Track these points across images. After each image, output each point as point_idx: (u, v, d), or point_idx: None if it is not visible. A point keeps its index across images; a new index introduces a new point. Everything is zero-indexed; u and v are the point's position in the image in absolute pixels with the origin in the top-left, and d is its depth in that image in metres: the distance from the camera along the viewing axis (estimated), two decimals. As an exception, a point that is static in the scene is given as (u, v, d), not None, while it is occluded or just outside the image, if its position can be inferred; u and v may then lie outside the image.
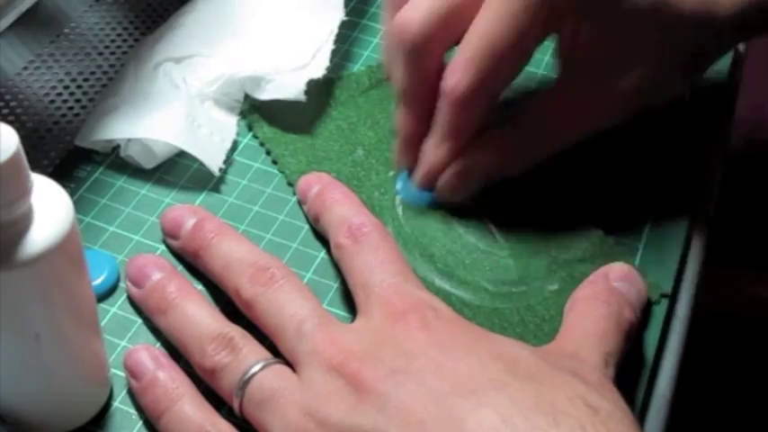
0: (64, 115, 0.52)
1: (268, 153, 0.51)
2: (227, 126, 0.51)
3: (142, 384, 0.39)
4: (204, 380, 0.39)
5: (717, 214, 0.50)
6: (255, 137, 0.51)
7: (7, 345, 0.35)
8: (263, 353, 0.39)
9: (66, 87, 0.54)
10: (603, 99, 0.45)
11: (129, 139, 0.49)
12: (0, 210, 0.31)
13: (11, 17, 0.56)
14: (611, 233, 0.47)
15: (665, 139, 0.51)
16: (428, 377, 0.35)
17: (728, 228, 0.55)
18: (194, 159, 0.49)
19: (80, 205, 0.47)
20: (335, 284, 0.45)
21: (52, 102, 0.53)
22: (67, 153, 0.50)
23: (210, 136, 0.50)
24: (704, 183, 0.50)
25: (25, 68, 0.54)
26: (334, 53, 0.53)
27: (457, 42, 0.44)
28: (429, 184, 0.47)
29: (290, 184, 0.49)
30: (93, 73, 0.55)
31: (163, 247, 0.46)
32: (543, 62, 0.54)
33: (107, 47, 0.56)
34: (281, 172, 0.50)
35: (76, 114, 0.52)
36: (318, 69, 0.52)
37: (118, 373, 0.41)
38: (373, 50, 0.57)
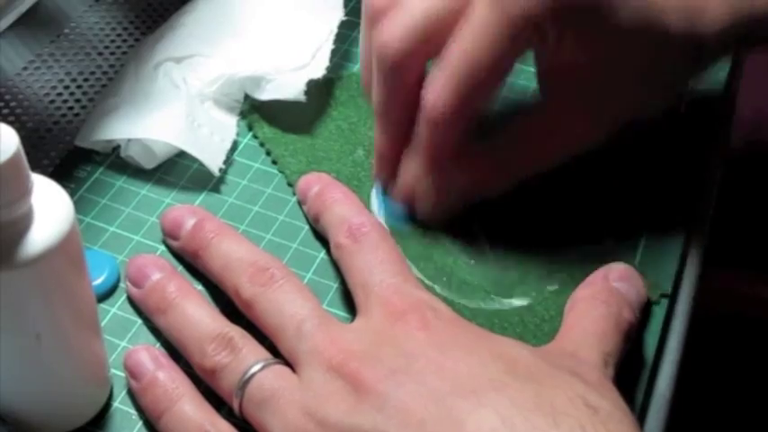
0: (64, 115, 0.52)
1: (268, 153, 0.51)
2: (227, 126, 0.51)
3: (142, 384, 0.39)
4: (204, 380, 0.39)
5: (716, 215, 0.50)
6: (255, 137, 0.51)
7: (7, 345, 0.35)
8: (262, 353, 0.39)
9: (67, 87, 0.54)
10: (587, 119, 0.44)
11: (129, 140, 0.49)
12: (0, 210, 0.31)
13: (11, 17, 0.56)
14: (611, 233, 0.47)
15: (664, 139, 0.51)
16: (428, 377, 0.35)
17: (728, 228, 0.55)
18: (194, 159, 0.49)
19: (80, 205, 0.47)
20: (335, 285, 0.45)
21: (52, 102, 0.53)
22: (68, 153, 0.50)
23: (210, 136, 0.50)
24: (704, 183, 0.50)
25: (25, 68, 0.54)
26: (333, 53, 0.53)
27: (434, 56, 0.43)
28: (407, 201, 0.46)
29: (290, 185, 0.49)
30: (93, 73, 0.55)
31: (163, 247, 0.46)
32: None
33: (107, 47, 0.56)
34: (281, 172, 0.50)
35: (76, 114, 0.52)
36: (318, 69, 0.52)
37: (118, 373, 0.41)
38: (373, 50, 0.57)
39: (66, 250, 0.33)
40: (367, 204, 0.47)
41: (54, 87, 0.53)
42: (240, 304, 0.41)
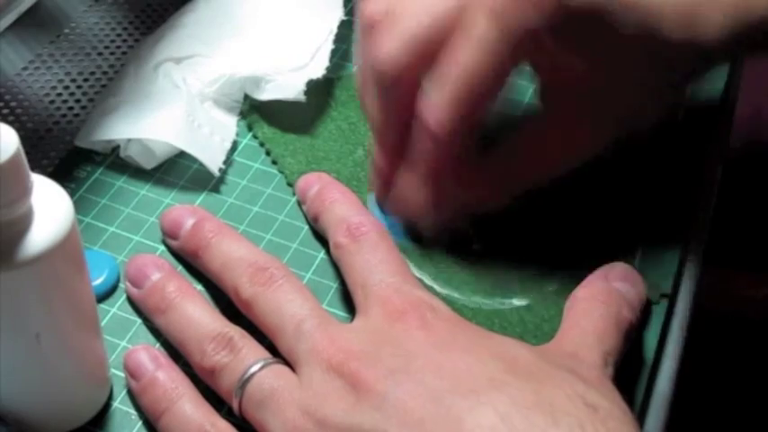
0: (64, 115, 0.52)
1: (268, 153, 0.51)
2: (227, 126, 0.51)
3: (142, 384, 0.39)
4: (204, 380, 0.39)
5: (716, 215, 0.50)
6: (255, 137, 0.51)
7: (7, 345, 0.35)
8: (262, 353, 0.39)
9: (67, 87, 0.54)
10: (588, 129, 0.44)
11: (129, 140, 0.49)
12: (0, 210, 0.31)
13: (11, 17, 0.56)
14: (611, 234, 0.47)
15: (664, 140, 0.51)
16: (427, 376, 0.35)
17: (728, 228, 0.55)
18: (194, 160, 0.49)
19: (80, 205, 0.47)
20: (335, 285, 0.45)
21: (52, 102, 0.53)
22: (67, 153, 0.50)
23: (210, 136, 0.50)
24: (703, 183, 0.50)
25: (25, 68, 0.54)
26: (333, 53, 0.53)
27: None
28: (404, 216, 0.46)
29: (290, 185, 0.49)
30: (93, 73, 0.55)
31: (163, 247, 0.46)
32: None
33: (107, 47, 0.56)
34: (280, 172, 0.50)
35: (76, 114, 0.52)
36: (318, 69, 0.52)
37: (118, 373, 0.41)
38: (373, 51, 0.57)
39: (67, 250, 0.33)
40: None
41: (54, 87, 0.53)
42: (239, 304, 0.41)
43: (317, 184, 0.46)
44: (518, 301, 0.44)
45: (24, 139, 0.32)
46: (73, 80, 0.54)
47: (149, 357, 0.40)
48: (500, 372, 0.35)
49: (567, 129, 0.44)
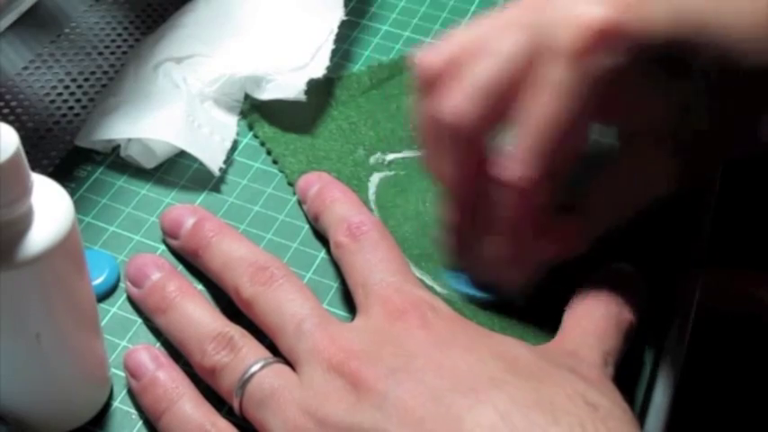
0: (64, 115, 0.52)
1: (269, 153, 0.51)
2: (227, 126, 0.51)
3: (142, 384, 0.39)
4: (204, 379, 0.39)
5: (716, 215, 0.50)
6: (256, 136, 0.51)
7: (7, 345, 0.35)
8: (262, 352, 0.39)
9: (67, 87, 0.54)
10: (669, 165, 0.43)
11: (129, 139, 0.49)
12: (0, 210, 0.31)
13: (11, 17, 0.56)
14: (612, 234, 0.47)
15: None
16: (427, 375, 0.35)
17: (728, 228, 0.55)
18: (194, 159, 0.49)
19: (80, 205, 0.47)
20: (335, 284, 0.45)
21: (52, 102, 0.53)
22: (68, 153, 0.50)
23: (211, 136, 0.50)
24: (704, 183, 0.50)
25: (25, 68, 0.54)
26: (333, 53, 0.53)
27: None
28: (490, 278, 0.44)
29: (291, 184, 0.49)
30: (93, 73, 0.55)
31: (163, 247, 0.46)
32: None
33: (107, 47, 0.56)
34: (281, 172, 0.50)
35: (77, 114, 0.52)
36: (318, 69, 0.52)
37: (118, 373, 0.41)
38: (373, 50, 0.57)
39: (67, 250, 0.33)
40: (366, 202, 0.47)
41: (54, 87, 0.53)
42: (240, 303, 0.41)
43: (317, 183, 0.46)
44: (518, 301, 0.44)
45: (25, 139, 0.32)
46: (73, 80, 0.54)
47: (150, 357, 0.40)
48: (500, 371, 0.35)
49: (648, 167, 0.42)
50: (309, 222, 0.47)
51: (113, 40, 0.57)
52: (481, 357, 0.35)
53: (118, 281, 0.44)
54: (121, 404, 0.40)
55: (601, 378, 0.36)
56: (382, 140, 0.51)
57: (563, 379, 0.35)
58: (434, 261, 0.45)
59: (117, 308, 0.43)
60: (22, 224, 0.32)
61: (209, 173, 0.48)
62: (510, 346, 0.37)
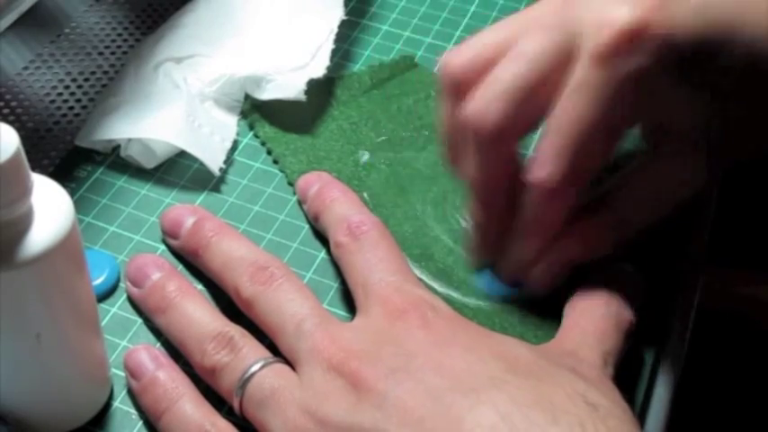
0: (64, 115, 0.52)
1: (269, 152, 0.51)
2: (227, 126, 0.51)
3: (142, 384, 0.39)
4: (204, 379, 0.39)
5: (717, 215, 0.50)
6: (257, 136, 0.51)
7: (7, 345, 0.35)
8: (262, 352, 0.39)
9: (67, 87, 0.54)
10: (697, 165, 0.42)
11: (129, 139, 0.49)
12: (0, 210, 0.31)
13: (11, 17, 0.56)
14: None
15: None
16: (427, 375, 0.35)
17: (728, 228, 0.55)
18: (195, 159, 0.49)
19: (80, 205, 0.47)
20: (336, 284, 0.45)
21: (52, 101, 0.53)
22: (68, 153, 0.50)
23: (211, 136, 0.50)
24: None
25: (25, 68, 0.54)
26: (334, 53, 0.53)
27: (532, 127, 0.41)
28: (518, 278, 0.44)
29: (291, 184, 0.49)
30: (93, 73, 0.55)
31: (163, 247, 0.46)
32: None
33: (107, 47, 0.56)
34: (281, 171, 0.50)
35: (77, 114, 0.52)
36: (318, 69, 0.52)
37: (118, 373, 0.41)
38: (373, 50, 0.57)
39: (67, 250, 0.33)
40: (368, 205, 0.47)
41: (54, 87, 0.53)
42: (240, 303, 0.41)
43: (317, 183, 0.46)
44: (518, 300, 0.44)
45: (25, 139, 0.32)
46: (73, 80, 0.54)
47: (150, 357, 0.40)
48: (500, 370, 0.35)
49: (678, 168, 0.42)
50: (309, 222, 0.47)
51: (113, 40, 0.57)
52: (481, 357, 0.35)
53: (118, 281, 0.44)
54: (121, 404, 0.40)
55: (601, 378, 0.36)
56: (383, 140, 0.51)
57: (563, 378, 0.35)
58: (435, 261, 0.45)
59: (117, 308, 0.43)
60: (22, 224, 0.32)
61: (209, 173, 0.48)
62: (510, 346, 0.37)
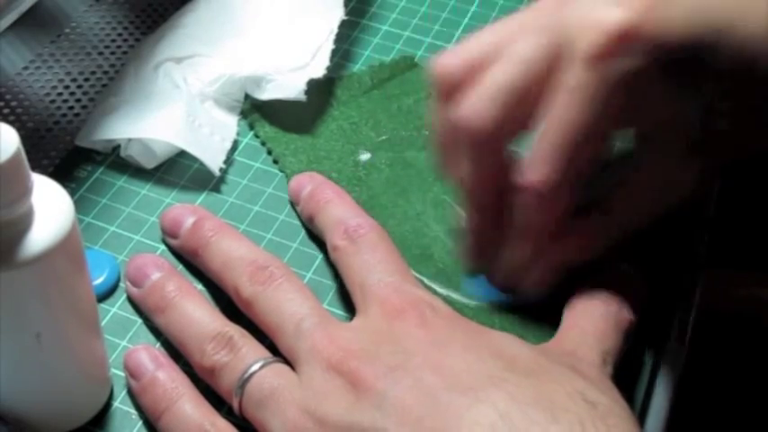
0: (64, 115, 0.52)
1: (269, 152, 0.51)
2: (227, 126, 0.51)
3: (142, 384, 0.39)
4: (204, 379, 0.39)
5: (717, 215, 0.50)
6: (257, 136, 0.51)
7: (7, 344, 0.35)
8: (262, 352, 0.39)
9: (67, 87, 0.54)
10: (690, 167, 0.42)
11: (129, 139, 0.49)
12: (0, 209, 0.31)
13: (11, 17, 0.56)
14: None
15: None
16: (426, 374, 0.35)
17: (728, 228, 0.55)
18: (195, 159, 0.49)
19: (80, 205, 0.47)
20: (335, 284, 0.45)
21: (53, 101, 0.53)
22: (68, 153, 0.50)
23: (211, 136, 0.50)
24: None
25: (26, 68, 0.54)
26: (334, 53, 0.53)
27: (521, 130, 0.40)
28: (509, 279, 0.43)
29: (291, 184, 0.49)
30: (93, 73, 0.55)
31: (163, 247, 0.46)
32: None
33: (107, 47, 0.56)
34: (281, 171, 0.50)
35: (77, 114, 0.52)
36: (318, 69, 0.52)
37: (118, 373, 0.41)
38: (373, 50, 0.57)
39: (67, 250, 0.33)
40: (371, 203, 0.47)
41: (54, 87, 0.53)
42: (240, 303, 0.41)
43: (309, 184, 0.46)
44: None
45: (25, 139, 0.32)
46: (73, 80, 0.54)
47: (149, 357, 0.40)
48: (499, 369, 0.35)
49: (671, 169, 0.42)
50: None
51: (113, 40, 0.57)
52: (480, 356, 0.35)
53: (118, 281, 0.44)
54: (121, 404, 0.40)
55: (600, 377, 0.36)
56: (383, 140, 0.51)
57: (562, 377, 0.35)
58: (434, 261, 0.45)
59: (117, 308, 0.43)
60: (22, 224, 0.32)
61: (209, 173, 0.48)
62: (509, 345, 0.37)
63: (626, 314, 0.40)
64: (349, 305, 0.43)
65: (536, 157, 0.39)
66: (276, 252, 0.45)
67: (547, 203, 0.40)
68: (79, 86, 0.54)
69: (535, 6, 0.40)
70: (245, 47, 0.54)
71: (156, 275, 0.42)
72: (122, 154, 0.49)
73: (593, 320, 0.39)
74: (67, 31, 0.57)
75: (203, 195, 0.48)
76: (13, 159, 0.30)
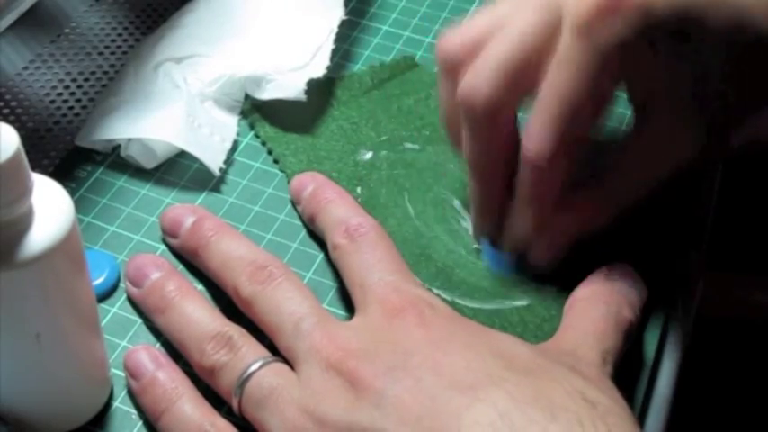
0: (64, 115, 0.52)
1: (269, 152, 0.51)
2: (227, 126, 0.51)
3: (142, 384, 0.39)
4: (203, 379, 0.39)
5: (716, 216, 0.50)
6: (257, 136, 0.51)
7: (7, 345, 0.35)
8: (261, 351, 0.39)
9: (67, 87, 0.54)
10: (688, 132, 0.43)
11: (129, 139, 0.49)
12: (0, 210, 0.31)
13: (11, 17, 0.56)
14: (611, 234, 0.47)
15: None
16: (425, 373, 0.35)
17: (728, 231, 0.55)
18: (195, 159, 0.49)
19: (80, 205, 0.47)
20: (335, 284, 0.45)
21: (52, 102, 0.53)
22: (68, 153, 0.50)
23: (211, 136, 0.50)
24: (703, 185, 0.50)
25: (25, 68, 0.54)
26: (334, 53, 0.53)
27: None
28: (520, 252, 0.44)
29: (291, 184, 0.49)
30: (93, 73, 0.55)
31: (163, 247, 0.46)
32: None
33: (107, 47, 0.56)
34: (281, 171, 0.50)
35: (77, 114, 0.52)
36: (318, 69, 0.52)
37: (118, 373, 0.41)
38: (373, 50, 0.57)
39: (67, 250, 0.33)
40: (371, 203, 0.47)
41: (54, 87, 0.53)
42: (239, 302, 0.41)
43: (311, 184, 0.46)
44: (518, 302, 0.44)
45: (25, 139, 0.32)
46: (73, 80, 0.54)
47: (149, 357, 0.40)
48: (499, 368, 0.35)
49: (668, 136, 0.43)
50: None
51: (113, 40, 0.57)
52: (479, 355, 0.35)
53: (118, 281, 0.44)
54: (121, 404, 0.40)
55: (599, 376, 0.36)
56: (384, 140, 0.51)
57: (561, 376, 0.35)
58: (434, 261, 0.45)
59: (117, 308, 0.43)
60: (22, 224, 0.32)
61: (209, 173, 0.48)
62: (508, 344, 0.37)
63: (626, 314, 0.40)
64: (349, 305, 0.43)
65: (534, 128, 0.40)
66: (276, 252, 0.45)
67: (548, 172, 0.40)
68: (79, 86, 0.54)
69: None
70: (245, 47, 0.54)
71: (155, 275, 0.42)
72: (122, 154, 0.49)
73: (593, 320, 0.39)
74: (67, 31, 0.57)
75: (203, 195, 0.48)
76: (13, 159, 0.30)
